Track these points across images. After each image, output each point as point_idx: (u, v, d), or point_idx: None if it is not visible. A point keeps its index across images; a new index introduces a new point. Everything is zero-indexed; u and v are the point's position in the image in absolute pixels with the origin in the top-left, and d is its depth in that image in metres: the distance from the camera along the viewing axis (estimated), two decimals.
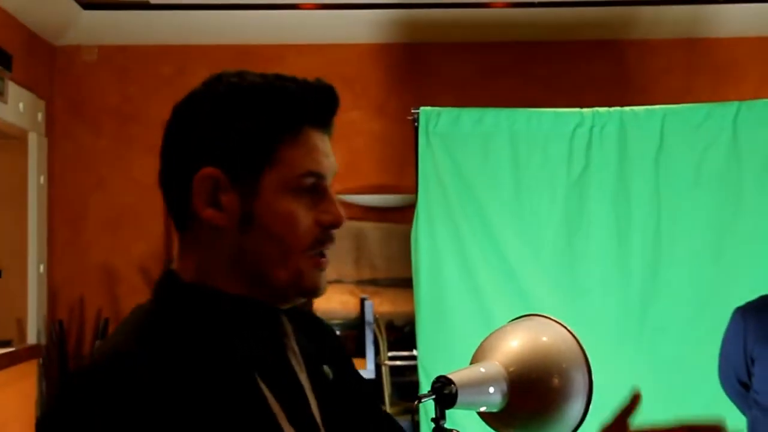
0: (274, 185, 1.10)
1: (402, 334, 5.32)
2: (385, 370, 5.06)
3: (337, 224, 1.13)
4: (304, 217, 1.11)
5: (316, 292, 1.14)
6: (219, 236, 1.11)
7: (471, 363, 1.55)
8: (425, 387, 2.09)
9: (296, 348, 1.19)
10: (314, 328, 1.28)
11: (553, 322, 1.59)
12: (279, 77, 1.13)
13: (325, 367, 1.22)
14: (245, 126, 1.09)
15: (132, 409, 0.98)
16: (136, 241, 5.85)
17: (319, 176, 1.12)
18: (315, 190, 1.12)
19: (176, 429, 0.99)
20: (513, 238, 3.79)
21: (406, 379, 5.12)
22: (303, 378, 1.16)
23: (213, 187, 1.10)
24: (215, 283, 1.12)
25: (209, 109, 1.11)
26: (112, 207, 5.81)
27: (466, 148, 3.81)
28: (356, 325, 5.32)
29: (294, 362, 1.17)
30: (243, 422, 1.06)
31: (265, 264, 1.10)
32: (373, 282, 5.67)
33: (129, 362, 1.02)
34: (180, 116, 1.14)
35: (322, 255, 1.14)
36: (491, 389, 1.48)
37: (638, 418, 1.29)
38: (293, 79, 1.13)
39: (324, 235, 1.13)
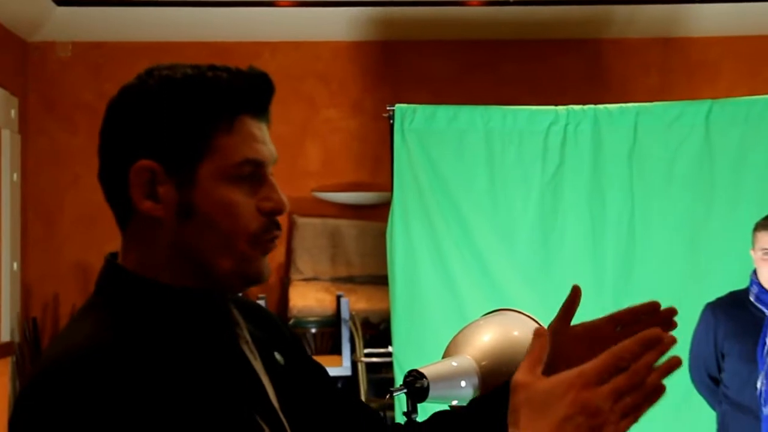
0: (211, 174, 1.09)
1: (378, 331, 5.33)
2: (361, 367, 5.07)
3: (279, 210, 1.12)
4: (245, 204, 1.10)
5: (260, 278, 1.13)
6: (159, 228, 1.10)
7: (443, 357, 1.57)
8: (400, 383, 2.10)
9: (248, 337, 1.18)
10: (260, 317, 1.28)
11: (525, 317, 1.61)
12: (212, 67, 1.12)
13: (277, 354, 1.22)
14: (178, 117, 1.09)
15: (110, 400, 0.98)
16: (111, 238, 5.75)
17: (257, 164, 1.11)
18: (254, 177, 1.11)
19: (150, 419, 0.99)
20: (488, 235, 3.80)
21: (382, 376, 5.13)
22: (258, 366, 1.17)
23: (149, 179, 1.09)
24: (158, 276, 1.11)
25: (142, 101, 1.11)
26: (87, 204, 5.75)
27: (441, 146, 3.83)
28: (332, 322, 5.32)
29: (247, 351, 1.17)
30: (215, 412, 1.06)
31: (208, 253, 1.10)
32: (349, 279, 5.67)
33: (100, 355, 1.01)
34: (114, 111, 1.14)
35: (271, 241, 1.13)
36: (463, 383, 1.49)
37: None
38: (227, 69, 1.13)
39: (269, 222, 1.12)
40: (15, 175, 5.61)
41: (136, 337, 1.06)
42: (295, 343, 1.32)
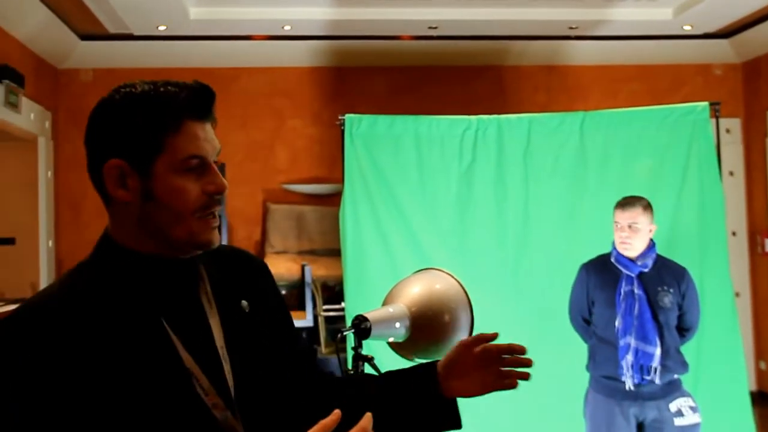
0: (165, 167, 1.09)
1: (333, 292, 5.32)
2: (320, 320, 5.06)
3: (218, 191, 1.12)
4: (192, 188, 1.10)
5: (208, 245, 1.13)
6: (129, 209, 1.11)
7: (382, 305, 1.57)
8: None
9: (209, 290, 1.16)
10: (242, 266, 1.26)
11: (445, 274, 1.62)
12: (166, 83, 1.12)
13: (244, 302, 1.20)
14: (136, 124, 1.09)
15: (20, 355, 1.00)
16: None
17: (200, 157, 1.10)
18: (200, 167, 1.11)
19: (79, 363, 1.01)
20: (418, 215, 3.80)
21: (337, 326, 5.12)
22: (212, 314, 1.14)
23: (119, 173, 1.10)
24: (131, 245, 1.12)
25: (110, 112, 1.11)
26: None
27: (381, 147, 3.81)
28: (298, 285, 5.30)
29: (205, 301, 1.15)
30: (141, 351, 1.05)
31: (164, 226, 1.10)
32: (311, 252, 5.65)
33: (31, 311, 1.04)
34: (91, 120, 1.14)
35: (212, 216, 1.13)
36: (397, 324, 1.50)
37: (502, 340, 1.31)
38: (177, 84, 1.13)
39: (210, 200, 1.11)
40: (49, 173, 5.52)
41: (81, 291, 1.07)
42: (270, 294, 1.27)
